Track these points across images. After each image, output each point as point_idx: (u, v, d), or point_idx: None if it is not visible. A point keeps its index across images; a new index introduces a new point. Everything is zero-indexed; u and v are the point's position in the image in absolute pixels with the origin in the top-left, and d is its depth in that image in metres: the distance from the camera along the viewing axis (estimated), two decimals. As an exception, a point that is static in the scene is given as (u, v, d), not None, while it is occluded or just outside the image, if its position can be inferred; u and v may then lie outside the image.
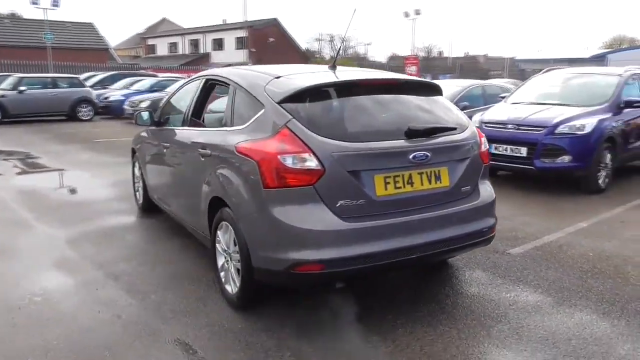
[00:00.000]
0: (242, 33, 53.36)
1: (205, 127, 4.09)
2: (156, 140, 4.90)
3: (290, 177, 2.91)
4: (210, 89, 4.32)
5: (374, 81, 3.52)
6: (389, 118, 3.30)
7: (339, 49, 4.26)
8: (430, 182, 3.22)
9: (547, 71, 9.26)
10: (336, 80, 3.35)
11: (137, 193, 5.92)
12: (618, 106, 7.43)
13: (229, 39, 55.11)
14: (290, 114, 3.05)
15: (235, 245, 3.31)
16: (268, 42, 52.18)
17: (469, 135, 3.47)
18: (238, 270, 3.32)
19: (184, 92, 4.81)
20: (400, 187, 3.11)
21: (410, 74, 36.62)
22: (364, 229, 2.96)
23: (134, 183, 6.08)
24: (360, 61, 52.88)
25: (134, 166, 5.97)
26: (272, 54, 49.43)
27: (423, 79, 3.62)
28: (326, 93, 3.21)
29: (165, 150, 4.55)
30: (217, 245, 3.60)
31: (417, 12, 39.41)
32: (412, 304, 3.52)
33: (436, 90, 3.68)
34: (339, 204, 2.95)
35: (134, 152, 5.92)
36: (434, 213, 3.20)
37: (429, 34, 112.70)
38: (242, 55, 52.30)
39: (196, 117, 4.25)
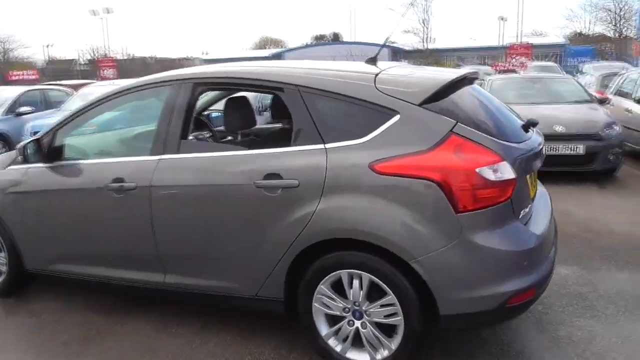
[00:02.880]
0: None
1: (229, 150, 2.92)
2: (75, 181, 3.23)
3: (489, 193, 2.33)
4: (198, 96, 3.07)
5: (471, 75, 3.05)
6: (504, 113, 2.96)
7: (387, 38, 3.17)
8: (535, 177, 3.05)
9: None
10: (459, 74, 2.77)
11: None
12: None
13: None
14: (449, 116, 2.44)
15: (371, 299, 2.51)
16: None
17: None
18: (378, 325, 2.53)
19: (117, 108, 3.33)
20: (533, 187, 2.87)
21: (107, 78, 33.62)
22: (547, 238, 2.62)
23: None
24: (26, 66, 45.47)
25: None
26: None
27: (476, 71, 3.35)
28: (458, 89, 2.67)
29: (117, 195, 3.00)
30: (314, 305, 2.64)
31: (108, 11, 36.14)
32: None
33: None
34: (521, 215, 2.53)
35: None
36: (549, 207, 3.06)
37: (97, 36, 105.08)
38: None
39: (185, 138, 2.96)
